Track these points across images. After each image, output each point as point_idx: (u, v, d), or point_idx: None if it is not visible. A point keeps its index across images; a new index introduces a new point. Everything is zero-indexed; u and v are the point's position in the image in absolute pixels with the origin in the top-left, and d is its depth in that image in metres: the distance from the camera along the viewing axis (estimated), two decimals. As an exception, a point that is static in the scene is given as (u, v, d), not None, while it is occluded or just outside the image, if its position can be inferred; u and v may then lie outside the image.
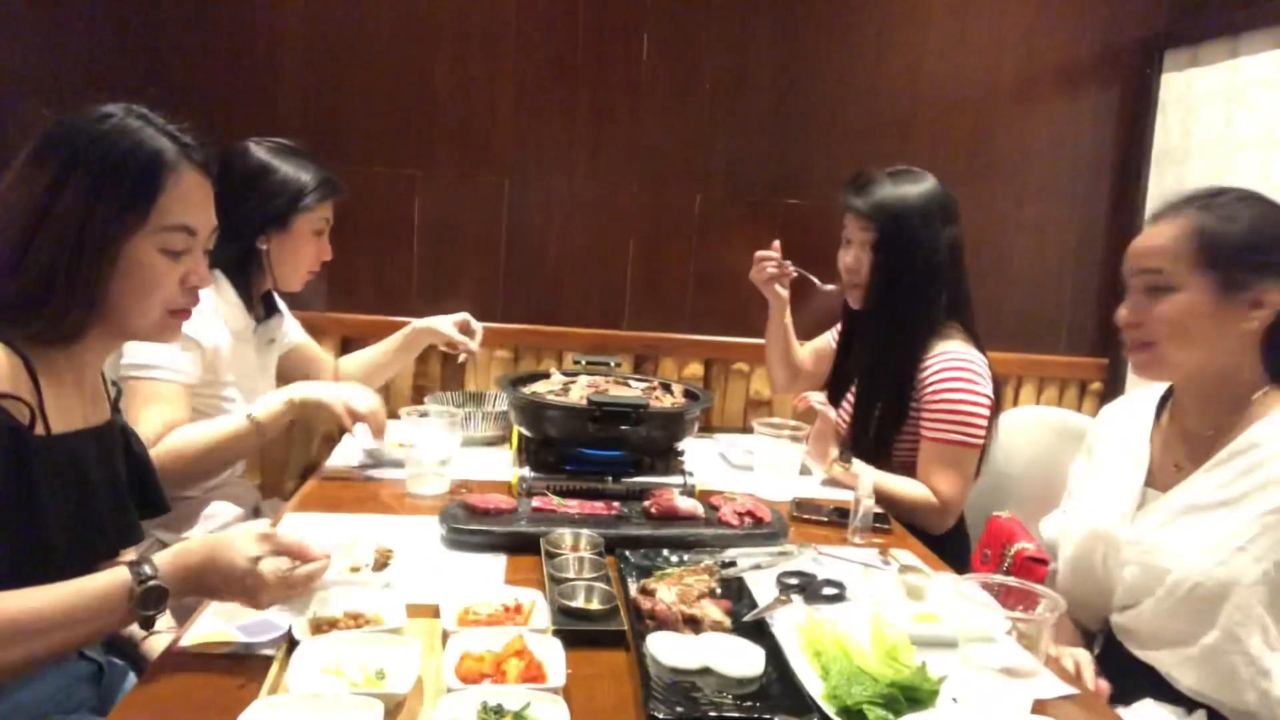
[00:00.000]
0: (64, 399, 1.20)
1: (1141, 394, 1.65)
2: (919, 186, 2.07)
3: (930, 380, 2.04)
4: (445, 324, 2.29)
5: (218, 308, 1.91)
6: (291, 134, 2.07)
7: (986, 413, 2.03)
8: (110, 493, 1.28)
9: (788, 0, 2.77)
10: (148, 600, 1.06)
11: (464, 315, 2.33)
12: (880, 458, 2.11)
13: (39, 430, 1.14)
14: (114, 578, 1.06)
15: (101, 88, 2.61)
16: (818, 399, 2.06)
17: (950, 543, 2.09)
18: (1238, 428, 1.40)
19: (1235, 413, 1.41)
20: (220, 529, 1.90)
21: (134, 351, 1.75)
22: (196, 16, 2.60)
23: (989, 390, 2.05)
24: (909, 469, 2.10)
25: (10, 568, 1.08)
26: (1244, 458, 1.37)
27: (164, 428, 1.71)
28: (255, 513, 2.09)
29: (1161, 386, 1.60)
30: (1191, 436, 1.48)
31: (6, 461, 1.09)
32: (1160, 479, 1.51)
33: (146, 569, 1.07)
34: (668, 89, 2.76)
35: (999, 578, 1.19)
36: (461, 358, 2.37)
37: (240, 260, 1.95)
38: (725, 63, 2.77)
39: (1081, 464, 1.72)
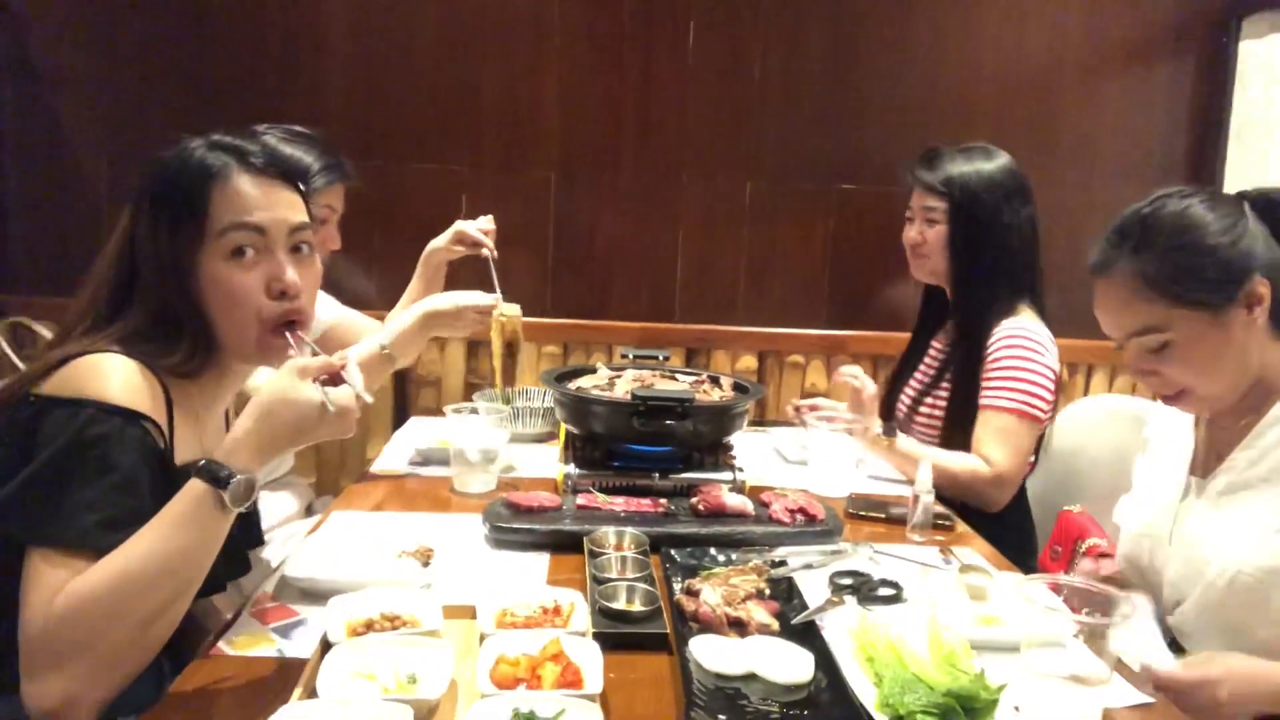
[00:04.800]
0: (189, 431, 1.21)
1: None
2: (993, 162, 2.04)
3: (994, 350, 1.99)
4: (442, 239, 2.18)
5: None
6: (339, 134, 2.06)
7: (1051, 385, 1.97)
8: None
9: (839, -23, 2.70)
10: (238, 496, 1.05)
11: (459, 225, 2.18)
12: (945, 440, 2.05)
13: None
14: (192, 492, 1.05)
15: (155, 91, 2.68)
16: (850, 372, 2.02)
17: (1015, 538, 2.02)
18: (1268, 403, 1.33)
19: (1272, 393, 1.34)
20: (273, 529, 1.90)
21: None
22: (245, 19, 2.62)
23: (1054, 365, 1.99)
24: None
25: None
26: (1275, 430, 1.31)
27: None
28: (308, 511, 2.09)
29: None
30: (1229, 423, 1.40)
31: (156, 486, 1.10)
32: (1205, 468, 1.43)
33: (220, 470, 1.05)
34: (715, 75, 2.71)
35: (1065, 578, 1.12)
36: (484, 252, 2.15)
37: None
38: (775, 45, 2.70)
39: (1140, 459, 1.64)
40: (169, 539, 1.04)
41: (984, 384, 1.99)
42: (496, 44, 2.66)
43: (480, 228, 2.16)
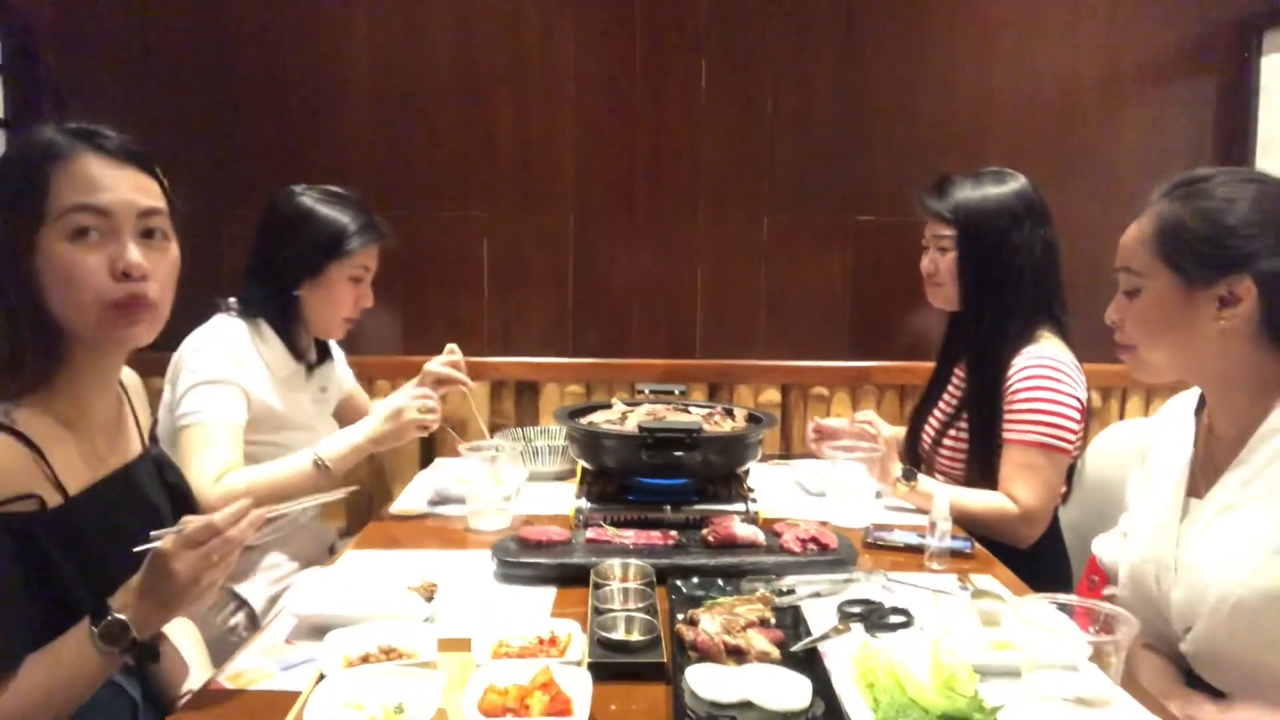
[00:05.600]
0: (72, 454, 1.16)
1: (1182, 399, 1.51)
2: (1004, 186, 2.01)
3: (1015, 381, 1.93)
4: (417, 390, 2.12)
5: (257, 351, 1.91)
6: (360, 182, 2.12)
7: (1077, 416, 1.89)
8: (144, 531, 1.20)
9: (849, 7, 2.71)
10: (109, 636, 1.05)
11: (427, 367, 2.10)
12: (970, 471, 2.01)
13: (53, 502, 1.10)
14: (79, 625, 1.07)
15: (185, 150, 2.77)
16: (865, 418, 1.99)
17: (1049, 569, 1.96)
18: (1259, 420, 1.26)
19: (1257, 405, 1.27)
20: (280, 580, 1.92)
21: (179, 402, 1.79)
22: (268, 81, 2.73)
23: (1080, 393, 1.92)
24: (955, 483, 2.00)
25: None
26: (1268, 444, 1.23)
27: (217, 471, 1.72)
28: (330, 552, 2.11)
29: (1198, 390, 1.45)
30: (1221, 438, 1.34)
31: (16, 558, 1.06)
32: (1202, 487, 1.36)
33: (104, 610, 1.07)
34: (728, 111, 2.74)
35: (1063, 596, 1.09)
36: (462, 389, 2.11)
37: (281, 306, 1.94)
38: (786, 79, 2.73)
39: (1136, 478, 1.57)
40: (46, 673, 1.04)
41: (1007, 417, 1.93)
42: (511, 90, 2.73)
43: (445, 362, 2.08)
